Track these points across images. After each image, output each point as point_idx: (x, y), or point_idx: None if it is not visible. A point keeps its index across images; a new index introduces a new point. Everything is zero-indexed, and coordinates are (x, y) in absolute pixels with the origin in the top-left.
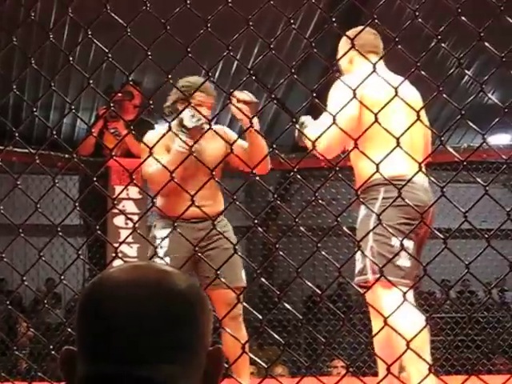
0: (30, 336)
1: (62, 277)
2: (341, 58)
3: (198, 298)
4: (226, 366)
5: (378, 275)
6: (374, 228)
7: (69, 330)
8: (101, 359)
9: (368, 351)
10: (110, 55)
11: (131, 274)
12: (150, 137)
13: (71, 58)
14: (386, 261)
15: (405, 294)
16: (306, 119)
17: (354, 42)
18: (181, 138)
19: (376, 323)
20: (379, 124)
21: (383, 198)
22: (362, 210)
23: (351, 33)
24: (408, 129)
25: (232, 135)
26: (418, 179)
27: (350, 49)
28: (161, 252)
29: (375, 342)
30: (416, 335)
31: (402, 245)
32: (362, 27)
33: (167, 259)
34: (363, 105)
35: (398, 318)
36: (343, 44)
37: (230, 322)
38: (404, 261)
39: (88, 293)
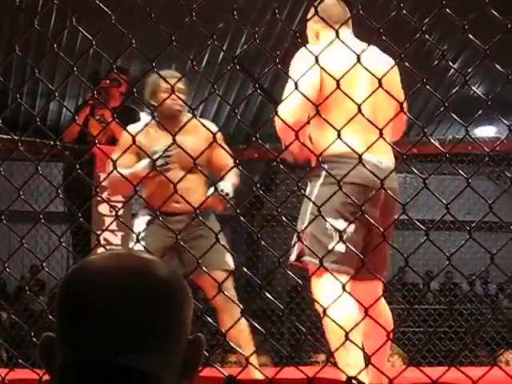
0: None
1: (45, 264)
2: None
3: (179, 285)
4: (207, 354)
5: (307, 258)
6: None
7: (50, 316)
8: (80, 347)
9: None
10: (94, 43)
11: (112, 261)
12: (126, 135)
13: (56, 45)
14: (318, 244)
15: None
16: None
17: (320, 15)
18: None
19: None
20: (342, 92)
21: (325, 176)
22: (307, 190)
23: (320, 8)
24: (366, 99)
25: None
26: (370, 157)
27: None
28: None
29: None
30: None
31: (337, 229)
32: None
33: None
34: (326, 72)
35: (328, 305)
36: (310, 15)
37: (224, 304)
38: (339, 245)
39: (68, 279)
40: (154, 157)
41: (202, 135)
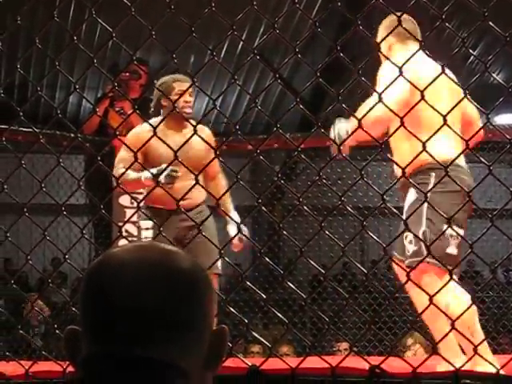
0: (37, 316)
1: (67, 256)
2: (383, 39)
3: (202, 277)
4: (230, 345)
5: (429, 260)
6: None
7: (73, 309)
8: (104, 339)
9: (373, 331)
10: (114, 34)
11: (134, 253)
12: (136, 133)
13: (75, 38)
14: (437, 247)
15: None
16: (339, 128)
17: (394, 29)
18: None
19: (421, 302)
20: (428, 103)
21: (435, 183)
22: (412, 193)
23: (390, 20)
24: (450, 111)
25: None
26: (463, 163)
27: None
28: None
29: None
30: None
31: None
32: (400, 14)
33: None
34: (415, 87)
35: (448, 299)
36: (383, 30)
37: None
38: (452, 249)
39: (91, 272)
40: (163, 173)
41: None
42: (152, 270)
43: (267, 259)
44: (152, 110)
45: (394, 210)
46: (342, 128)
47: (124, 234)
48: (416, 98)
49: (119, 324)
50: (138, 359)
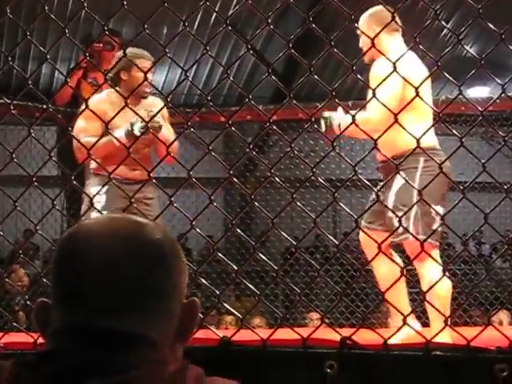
0: (7, 287)
1: (39, 227)
2: (376, 35)
3: (172, 248)
4: (202, 316)
5: (420, 236)
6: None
7: (44, 280)
8: (73, 311)
9: (345, 303)
10: (85, 5)
11: (105, 225)
12: (93, 103)
13: (47, 8)
14: (426, 225)
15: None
16: (330, 114)
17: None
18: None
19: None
20: (421, 98)
21: (423, 167)
22: (402, 176)
23: (374, 11)
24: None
25: (165, 111)
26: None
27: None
28: (98, 206)
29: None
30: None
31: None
32: (381, 6)
33: (104, 213)
34: (408, 82)
35: (436, 274)
36: (367, 21)
37: None
38: (437, 225)
39: (62, 244)
40: (135, 125)
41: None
42: (121, 242)
43: (239, 231)
44: (109, 79)
45: (366, 182)
46: (332, 114)
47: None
48: (407, 89)
49: (87, 296)
50: (105, 331)
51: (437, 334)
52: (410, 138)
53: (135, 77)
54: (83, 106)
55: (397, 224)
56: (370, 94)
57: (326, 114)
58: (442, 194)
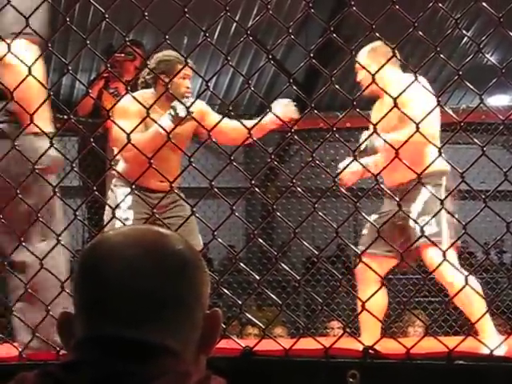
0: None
1: (60, 238)
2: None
3: (195, 258)
4: (224, 326)
5: (452, 240)
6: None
7: (67, 291)
8: (96, 322)
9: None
10: (106, 16)
11: (128, 236)
12: (126, 103)
13: (68, 19)
14: (455, 231)
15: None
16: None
17: (384, 52)
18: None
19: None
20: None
21: (445, 185)
22: (432, 189)
23: (377, 45)
24: None
25: (206, 109)
26: None
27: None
28: (123, 215)
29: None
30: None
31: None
32: (380, 42)
33: (129, 222)
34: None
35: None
36: (371, 56)
37: None
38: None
39: (85, 255)
40: (178, 108)
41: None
42: (144, 252)
43: (261, 241)
44: (143, 80)
45: (388, 191)
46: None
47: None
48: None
49: (110, 306)
50: (128, 341)
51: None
52: (430, 160)
53: (175, 82)
54: (119, 104)
55: (425, 229)
56: (411, 108)
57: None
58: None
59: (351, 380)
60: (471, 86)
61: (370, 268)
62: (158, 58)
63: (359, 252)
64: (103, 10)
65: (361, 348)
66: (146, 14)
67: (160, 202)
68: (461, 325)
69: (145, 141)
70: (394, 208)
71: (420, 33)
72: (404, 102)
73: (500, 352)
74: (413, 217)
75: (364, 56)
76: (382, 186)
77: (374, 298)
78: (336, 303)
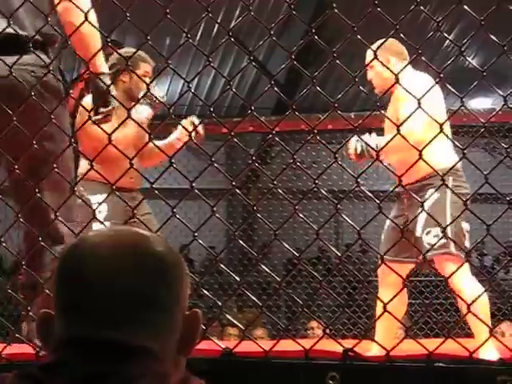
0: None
1: (40, 238)
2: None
3: (175, 260)
4: (204, 327)
5: (456, 251)
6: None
7: (47, 291)
8: (75, 322)
9: (347, 314)
10: (87, 16)
11: (108, 237)
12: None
13: (49, 19)
14: (459, 240)
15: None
16: (359, 139)
17: (393, 49)
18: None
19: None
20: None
21: (453, 186)
22: (435, 195)
23: (387, 42)
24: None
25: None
26: None
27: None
28: (100, 216)
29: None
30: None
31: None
32: (390, 38)
33: (107, 223)
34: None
35: (474, 288)
36: (380, 49)
37: None
38: (467, 242)
39: (65, 256)
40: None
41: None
42: (123, 253)
43: (241, 242)
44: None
45: (369, 194)
46: (371, 141)
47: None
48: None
49: (89, 307)
50: (107, 342)
51: (481, 345)
52: (438, 159)
53: (135, 79)
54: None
55: (429, 240)
56: (403, 107)
57: (355, 138)
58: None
59: (331, 382)
60: (452, 89)
61: (394, 271)
62: (121, 53)
63: (380, 257)
64: (84, 11)
65: (341, 350)
66: (128, 14)
67: (134, 202)
68: (441, 327)
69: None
70: (404, 212)
71: (402, 35)
72: (404, 100)
73: (493, 356)
74: (419, 227)
75: (371, 54)
76: (362, 188)
77: (393, 301)
78: (317, 305)
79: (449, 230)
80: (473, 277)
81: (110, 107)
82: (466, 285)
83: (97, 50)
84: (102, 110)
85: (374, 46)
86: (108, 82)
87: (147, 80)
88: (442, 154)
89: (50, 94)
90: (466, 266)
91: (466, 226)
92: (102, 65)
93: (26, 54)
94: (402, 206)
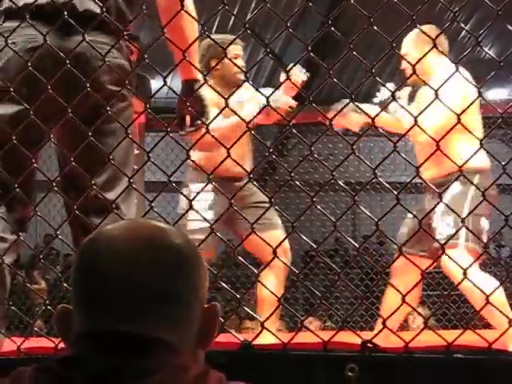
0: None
1: (58, 232)
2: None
3: (192, 253)
4: (222, 320)
5: (469, 243)
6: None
7: (65, 285)
8: (93, 315)
9: (365, 306)
10: (104, 9)
11: (124, 230)
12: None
13: (66, 12)
14: (476, 234)
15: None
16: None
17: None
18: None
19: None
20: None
21: (477, 184)
22: (458, 186)
23: (427, 30)
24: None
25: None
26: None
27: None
28: (204, 205)
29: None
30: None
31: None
32: (432, 26)
33: (210, 212)
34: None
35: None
36: (416, 41)
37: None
38: (484, 239)
39: (82, 250)
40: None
41: (258, 103)
42: (139, 246)
43: (259, 234)
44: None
45: (386, 185)
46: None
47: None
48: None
49: (107, 300)
50: (125, 335)
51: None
52: (466, 157)
53: (226, 63)
54: None
55: (443, 230)
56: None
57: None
58: (489, 213)
59: (350, 374)
60: (470, 79)
61: (413, 263)
62: (206, 43)
63: (397, 249)
64: (100, 4)
65: (359, 342)
66: (144, 7)
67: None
68: (459, 318)
69: (228, 128)
70: (430, 206)
71: (418, 26)
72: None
73: None
74: (437, 216)
75: (407, 43)
76: (379, 179)
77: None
78: (334, 297)
79: (466, 223)
80: (477, 270)
81: (203, 119)
82: (477, 279)
83: (194, 50)
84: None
85: (409, 36)
86: (204, 92)
87: (239, 61)
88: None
89: (123, 79)
90: (470, 260)
91: (485, 223)
92: (197, 71)
93: (105, 33)
94: (426, 199)
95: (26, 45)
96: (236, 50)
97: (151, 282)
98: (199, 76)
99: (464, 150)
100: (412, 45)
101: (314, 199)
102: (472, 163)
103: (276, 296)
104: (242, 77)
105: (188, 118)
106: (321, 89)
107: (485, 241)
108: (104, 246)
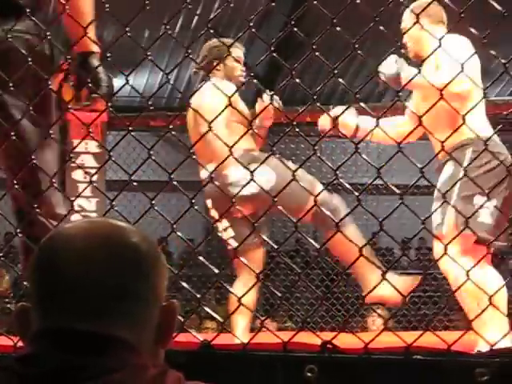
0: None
1: (18, 230)
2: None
3: (150, 251)
4: (182, 320)
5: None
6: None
7: (24, 283)
8: (51, 313)
9: (325, 307)
10: (67, 7)
11: (82, 228)
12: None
13: (28, 10)
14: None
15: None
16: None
17: (427, 12)
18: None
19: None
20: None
21: (470, 158)
22: (450, 168)
23: (420, 3)
24: None
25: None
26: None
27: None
28: (268, 185)
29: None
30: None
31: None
32: (424, 1)
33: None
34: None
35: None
36: (411, 13)
37: None
38: (485, 217)
39: (40, 248)
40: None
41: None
42: (98, 243)
43: (220, 234)
44: (196, 69)
45: (348, 186)
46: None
47: (77, 208)
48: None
49: (64, 298)
50: (82, 334)
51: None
52: (467, 128)
53: (229, 65)
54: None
55: (434, 218)
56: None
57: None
58: (493, 186)
59: (309, 374)
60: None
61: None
62: (210, 45)
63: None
64: (63, 2)
65: (319, 342)
66: (107, 6)
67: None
68: (419, 320)
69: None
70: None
71: (381, 27)
72: (437, 65)
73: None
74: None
75: (407, 16)
76: (341, 180)
77: None
78: (295, 298)
79: (451, 209)
80: (466, 258)
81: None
82: (454, 266)
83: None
84: (93, 95)
85: (409, 9)
86: (97, 63)
87: (240, 65)
88: (475, 125)
89: (42, 64)
90: (457, 247)
91: (480, 201)
92: (93, 44)
93: (21, 19)
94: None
95: None
96: (238, 53)
97: (108, 280)
98: (95, 48)
99: (474, 119)
100: (411, 19)
101: (275, 199)
102: (462, 136)
103: (237, 296)
104: (243, 79)
105: (84, 93)
106: (283, 89)
107: (485, 219)
108: (61, 245)
